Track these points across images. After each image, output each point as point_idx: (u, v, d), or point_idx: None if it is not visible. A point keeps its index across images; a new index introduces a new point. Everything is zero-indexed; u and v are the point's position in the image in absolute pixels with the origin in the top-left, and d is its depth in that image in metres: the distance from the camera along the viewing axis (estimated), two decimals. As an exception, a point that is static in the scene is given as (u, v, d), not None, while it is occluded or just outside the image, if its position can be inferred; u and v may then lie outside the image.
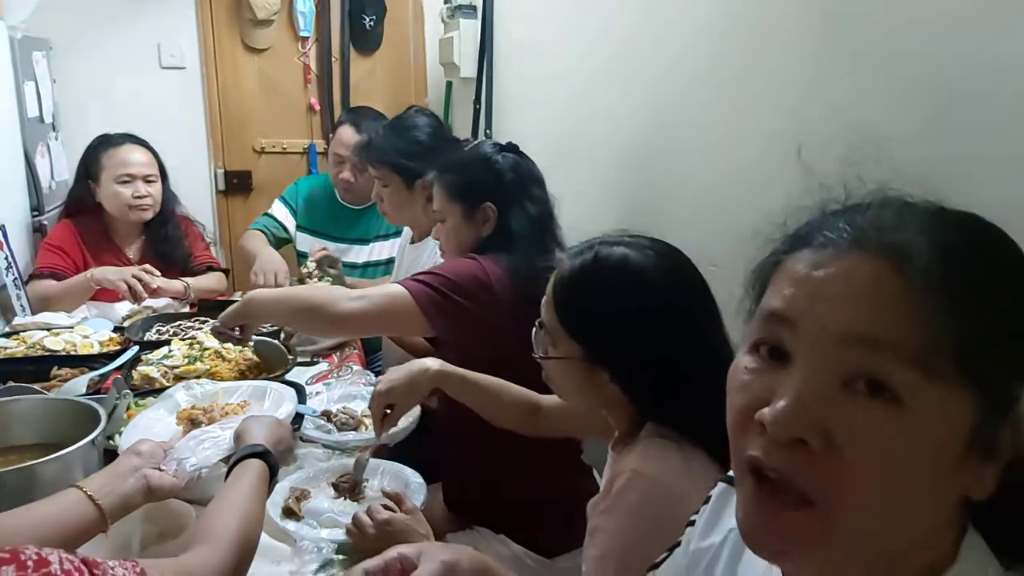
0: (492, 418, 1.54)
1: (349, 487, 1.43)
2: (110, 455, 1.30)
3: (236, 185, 3.74)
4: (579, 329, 1.15)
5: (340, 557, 1.25)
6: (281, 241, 2.98)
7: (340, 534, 1.27)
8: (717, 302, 1.38)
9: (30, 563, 0.63)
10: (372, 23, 3.69)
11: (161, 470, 1.17)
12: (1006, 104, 1.05)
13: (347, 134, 2.80)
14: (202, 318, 2.34)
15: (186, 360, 1.92)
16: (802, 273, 0.59)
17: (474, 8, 3.16)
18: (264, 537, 1.08)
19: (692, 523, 0.86)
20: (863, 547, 0.57)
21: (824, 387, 0.55)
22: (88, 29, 3.34)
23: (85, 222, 2.71)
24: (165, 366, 1.88)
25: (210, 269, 2.85)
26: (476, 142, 1.95)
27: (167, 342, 2.05)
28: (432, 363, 1.49)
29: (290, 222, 3.03)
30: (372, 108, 2.97)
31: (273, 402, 1.54)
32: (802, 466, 0.56)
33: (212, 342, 2.00)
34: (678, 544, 0.88)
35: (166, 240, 2.78)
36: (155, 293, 2.50)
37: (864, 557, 0.58)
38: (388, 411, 1.51)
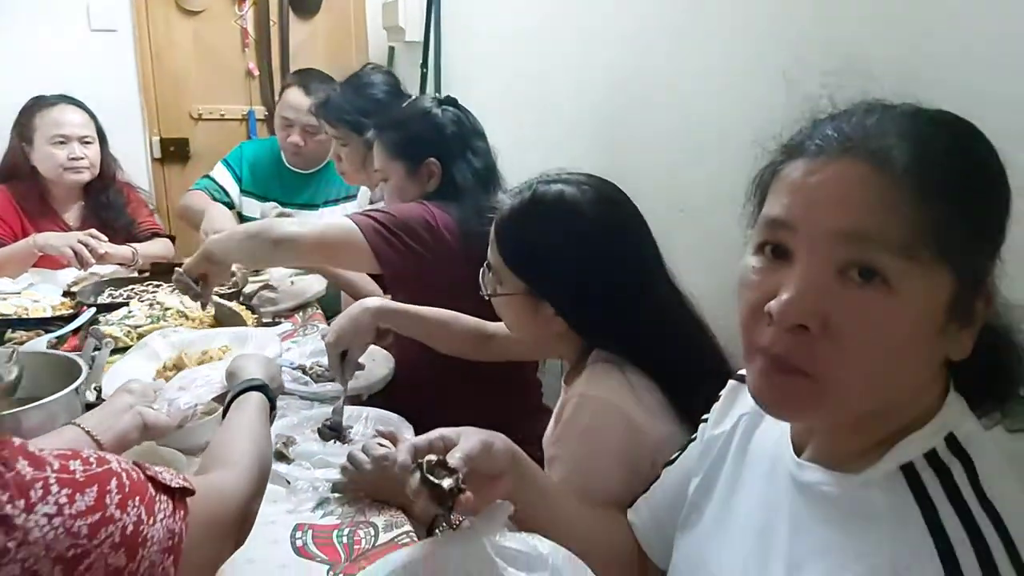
0: (441, 346, 1.58)
1: (331, 430, 1.44)
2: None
3: (173, 153, 3.64)
4: (521, 265, 1.21)
5: (335, 495, 1.27)
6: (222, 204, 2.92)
7: (333, 474, 1.29)
8: (686, 245, 1.46)
9: (92, 459, 0.64)
10: (312, -14, 3.63)
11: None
12: (987, 28, 1.11)
13: (295, 97, 2.76)
14: (155, 282, 2.29)
15: (148, 320, 1.89)
16: (798, 181, 0.67)
17: (420, -30, 3.14)
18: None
19: (705, 420, 0.95)
20: (857, 405, 0.67)
21: (822, 278, 0.64)
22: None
23: (21, 188, 2.61)
24: (128, 325, 1.84)
25: (156, 235, 2.79)
26: (414, 98, 1.94)
27: (124, 304, 2.01)
28: (372, 301, 1.54)
29: (232, 187, 2.97)
30: (319, 70, 2.92)
31: (257, 346, 1.54)
32: (803, 349, 0.64)
33: (174, 301, 1.97)
34: (692, 440, 0.96)
35: (108, 206, 2.71)
36: (102, 259, 2.43)
37: (859, 412, 0.68)
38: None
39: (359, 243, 1.63)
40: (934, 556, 0.61)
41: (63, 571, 0.57)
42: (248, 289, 2.29)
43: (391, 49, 3.61)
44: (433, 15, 3.05)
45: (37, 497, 0.57)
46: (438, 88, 3.07)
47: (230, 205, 2.95)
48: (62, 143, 2.55)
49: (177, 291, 1.83)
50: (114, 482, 0.63)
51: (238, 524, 0.83)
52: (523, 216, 1.22)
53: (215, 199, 2.90)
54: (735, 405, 0.91)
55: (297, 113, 2.74)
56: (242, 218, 2.93)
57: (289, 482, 1.28)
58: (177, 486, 0.72)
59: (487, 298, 1.29)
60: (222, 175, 2.97)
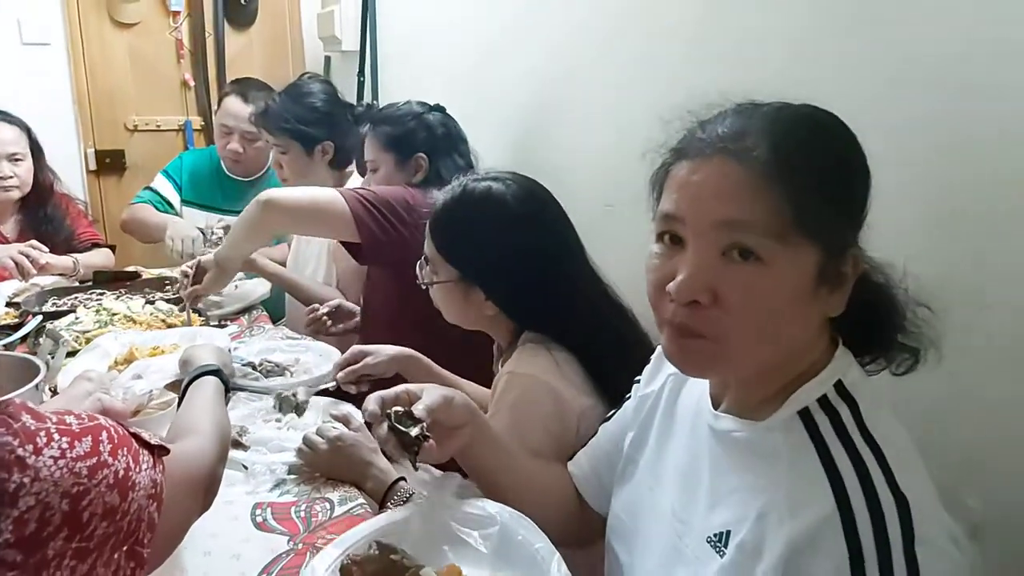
0: None
1: (293, 406, 1.52)
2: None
3: (108, 164, 3.65)
4: (453, 253, 1.34)
5: (292, 476, 1.34)
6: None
7: (289, 457, 1.37)
8: (613, 237, 1.58)
9: (84, 415, 0.73)
10: (247, -2, 3.68)
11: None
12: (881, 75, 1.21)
13: (234, 105, 2.82)
14: (98, 291, 2.32)
15: (96, 324, 1.93)
16: (683, 179, 0.80)
17: (355, -19, 3.22)
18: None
19: (638, 381, 1.09)
20: (751, 361, 0.80)
21: (708, 260, 0.77)
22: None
23: (-44, 202, 2.60)
24: (76, 331, 1.88)
25: (96, 245, 2.81)
26: (405, 101, 2.08)
27: (71, 311, 2.04)
28: (409, 351, 1.57)
29: (174, 197, 3.01)
30: (257, 79, 2.98)
31: (206, 341, 1.60)
32: (699, 319, 0.78)
33: (120, 307, 2.02)
34: (627, 398, 1.09)
35: (47, 220, 2.71)
36: (43, 269, 2.45)
37: (755, 367, 0.81)
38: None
39: (342, 209, 1.75)
40: (826, 484, 0.73)
41: (69, 504, 0.65)
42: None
43: (327, 59, 3.68)
44: (368, 24, 3.13)
45: (43, 443, 0.65)
46: (375, 96, 3.15)
47: (174, 215, 2.98)
48: None
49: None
50: (104, 434, 0.71)
51: (206, 484, 0.91)
52: (454, 209, 1.35)
53: (158, 210, 2.93)
54: (663, 367, 1.04)
55: (236, 120, 2.80)
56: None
57: (246, 467, 1.35)
58: (156, 443, 0.80)
59: (424, 287, 1.40)
60: (163, 186, 3.00)
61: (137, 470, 0.73)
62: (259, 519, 1.23)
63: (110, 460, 0.70)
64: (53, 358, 1.44)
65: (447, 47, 2.63)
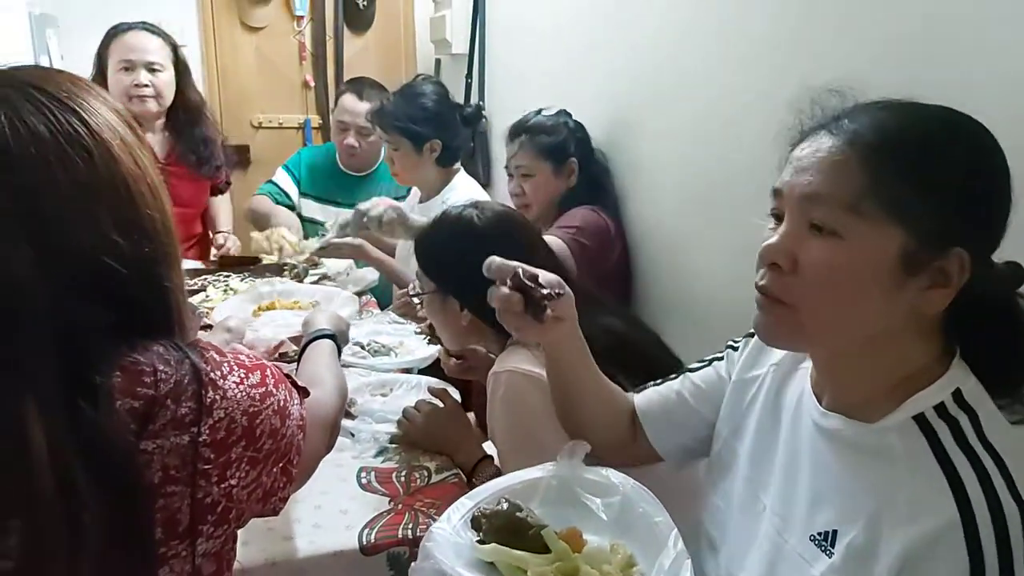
0: None
1: None
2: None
3: (235, 159, 3.91)
4: (429, 268, 1.48)
5: (393, 445, 1.47)
6: (284, 207, 3.16)
7: (391, 427, 1.50)
8: (695, 229, 1.63)
9: (253, 355, 0.88)
10: (365, 3, 3.88)
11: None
12: (985, 62, 1.16)
13: (350, 101, 2.99)
14: (224, 273, 2.53)
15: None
16: (792, 157, 0.85)
17: (466, -14, 3.35)
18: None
19: (733, 347, 1.10)
20: (825, 336, 0.83)
21: (795, 229, 0.82)
22: (93, 7, 3.47)
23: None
24: (206, 307, 2.07)
25: None
26: (551, 110, 2.27)
27: (201, 290, 2.25)
28: None
29: (293, 189, 3.21)
30: (370, 78, 3.16)
31: (338, 305, 1.96)
32: (779, 283, 0.83)
33: (244, 288, 2.21)
34: (719, 359, 1.11)
35: (201, 142, 2.73)
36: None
37: (831, 344, 0.84)
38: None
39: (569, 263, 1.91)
40: (947, 491, 0.74)
41: (247, 420, 0.79)
42: (308, 280, 2.51)
43: (438, 61, 3.83)
44: (478, 29, 3.25)
45: (226, 371, 0.80)
46: (481, 97, 3.28)
47: (291, 207, 3.19)
48: (128, 69, 2.50)
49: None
50: (269, 370, 0.86)
51: (331, 427, 1.05)
52: (431, 230, 1.51)
53: (277, 202, 3.15)
54: (766, 353, 1.03)
55: (352, 116, 2.97)
56: (302, 219, 3.17)
57: (353, 435, 1.49)
58: (301, 385, 0.94)
59: (413, 299, 1.57)
60: (283, 179, 3.21)
61: (292, 402, 0.88)
62: (364, 481, 1.35)
63: (274, 391, 0.84)
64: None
65: (549, 47, 2.72)
